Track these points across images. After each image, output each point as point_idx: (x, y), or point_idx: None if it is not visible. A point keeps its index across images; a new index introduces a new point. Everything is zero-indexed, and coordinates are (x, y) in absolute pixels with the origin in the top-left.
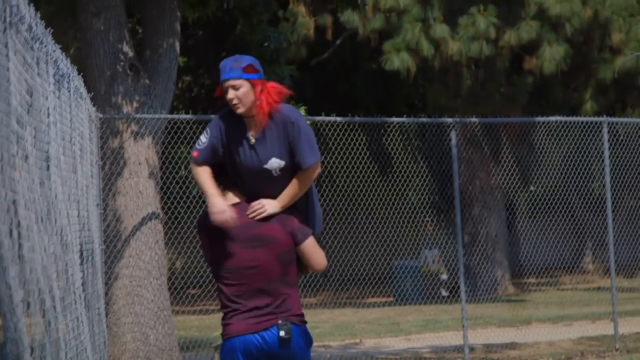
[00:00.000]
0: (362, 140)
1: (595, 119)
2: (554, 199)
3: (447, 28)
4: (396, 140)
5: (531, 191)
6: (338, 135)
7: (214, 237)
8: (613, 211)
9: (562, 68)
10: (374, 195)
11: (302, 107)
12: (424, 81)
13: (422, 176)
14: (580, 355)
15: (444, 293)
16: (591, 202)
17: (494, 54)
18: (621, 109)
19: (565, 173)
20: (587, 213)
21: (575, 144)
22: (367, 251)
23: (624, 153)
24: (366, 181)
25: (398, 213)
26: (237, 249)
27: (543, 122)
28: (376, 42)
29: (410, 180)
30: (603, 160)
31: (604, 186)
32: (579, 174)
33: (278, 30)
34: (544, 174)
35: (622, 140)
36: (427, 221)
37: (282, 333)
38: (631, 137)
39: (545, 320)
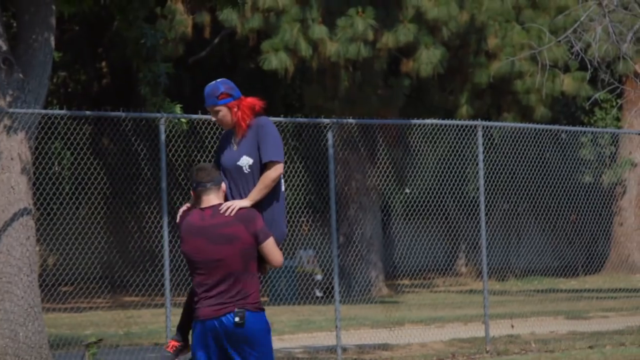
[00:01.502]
0: None
1: (470, 122)
2: (428, 202)
3: (326, 29)
4: None
5: (406, 193)
6: (215, 133)
7: (189, 233)
8: (486, 214)
9: (439, 71)
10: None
11: (178, 106)
12: (302, 81)
13: (298, 176)
14: (451, 357)
15: (318, 294)
16: (465, 205)
17: (372, 56)
18: (496, 114)
19: (440, 176)
20: (461, 216)
21: (451, 147)
22: None
23: (498, 157)
24: None
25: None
26: (206, 245)
27: (419, 125)
28: (254, 41)
29: (286, 180)
30: (477, 164)
31: (477, 189)
32: (453, 177)
33: (155, 28)
34: (419, 176)
35: (496, 144)
36: (303, 221)
37: (236, 319)
38: (505, 141)
39: (417, 322)
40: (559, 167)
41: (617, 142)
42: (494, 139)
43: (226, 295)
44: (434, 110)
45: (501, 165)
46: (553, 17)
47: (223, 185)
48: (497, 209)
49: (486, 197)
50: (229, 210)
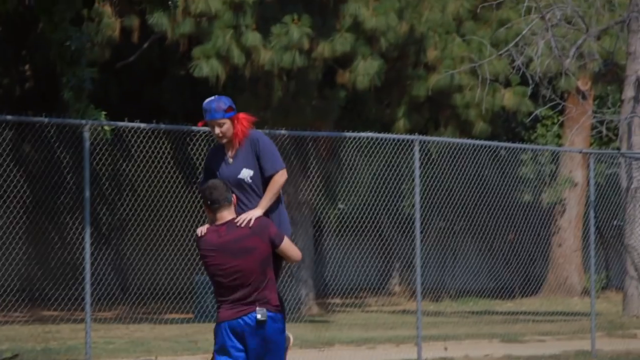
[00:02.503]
0: (166, 148)
1: (407, 137)
2: (362, 218)
3: (260, 36)
4: (202, 149)
5: (339, 208)
6: (142, 142)
7: (209, 250)
8: (422, 232)
9: (376, 83)
10: (177, 206)
11: (103, 113)
12: (234, 90)
13: None
14: None
15: None
16: (400, 222)
17: (307, 66)
18: (434, 128)
19: (375, 191)
20: (396, 233)
21: (386, 161)
22: (168, 265)
23: (435, 173)
24: (169, 191)
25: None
26: (227, 259)
27: (354, 138)
28: (185, 47)
29: None
30: (413, 180)
31: (413, 206)
32: (389, 192)
33: (81, 30)
34: (354, 191)
35: (434, 160)
36: None
37: (258, 316)
38: (443, 156)
39: (348, 342)
40: (498, 185)
41: (557, 160)
42: (431, 154)
43: (247, 300)
44: (370, 124)
45: (438, 181)
46: (495, 30)
47: (234, 198)
48: (433, 226)
49: (422, 214)
50: (246, 221)
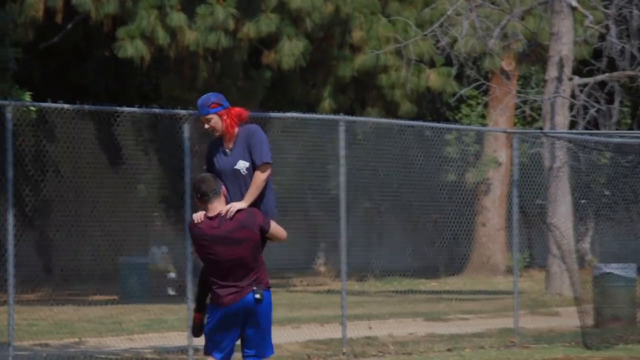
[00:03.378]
0: (91, 129)
1: (332, 117)
2: (288, 198)
3: (185, 17)
4: (127, 131)
5: None
6: (65, 123)
7: (203, 240)
8: (347, 212)
9: (301, 64)
10: (101, 187)
11: (27, 93)
12: (158, 71)
13: (152, 170)
14: (307, 359)
15: (171, 292)
16: (326, 203)
17: (232, 46)
18: (360, 108)
19: (301, 172)
20: (321, 213)
21: (312, 142)
22: (92, 246)
23: (360, 153)
24: (94, 172)
25: (126, 207)
26: (221, 249)
27: (279, 118)
28: (109, 27)
29: (140, 173)
30: (339, 160)
31: (338, 186)
32: (314, 173)
33: (4, 11)
34: (279, 171)
35: (359, 140)
36: (156, 217)
37: (257, 295)
38: (369, 137)
39: (273, 323)
40: (423, 165)
41: (482, 140)
42: (357, 135)
43: (242, 283)
44: (295, 104)
45: (364, 161)
46: (419, 11)
47: (223, 189)
48: (359, 206)
49: (347, 195)
50: (229, 213)
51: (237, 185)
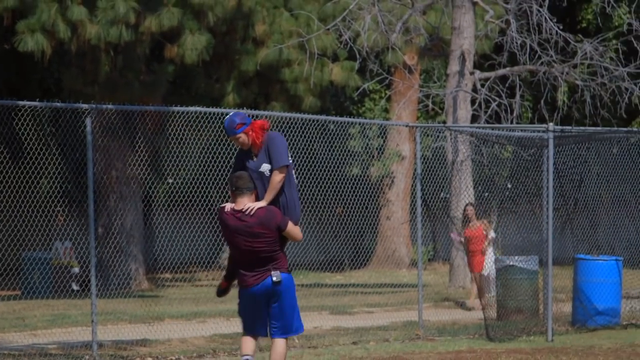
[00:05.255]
0: None
1: (235, 111)
2: (192, 192)
3: (85, 10)
4: (28, 125)
5: (169, 183)
6: None
7: (231, 232)
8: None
9: (204, 58)
10: (2, 182)
11: None
12: (60, 65)
13: (54, 163)
14: (212, 353)
15: (75, 287)
16: (230, 197)
17: (134, 40)
18: (264, 102)
19: (205, 166)
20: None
21: (215, 136)
22: None
23: None
24: None
25: (28, 202)
26: (242, 240)
27: (182, 113)
28: (9, 21)
29: (42, 168)
30: None
31: None
32: (218, 167)
33: None
34: (183, 165)
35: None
36: (59, 211)
37: (274, 278)
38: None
39: (178, 317)
40: (327, 159)
41: (385, 133)
42: None
43: (262, 268)
44: (199, 98)
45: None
46: (322, 5)
47: (255, 191)
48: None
49: None
50: (250, 210)
51: (262, 184)
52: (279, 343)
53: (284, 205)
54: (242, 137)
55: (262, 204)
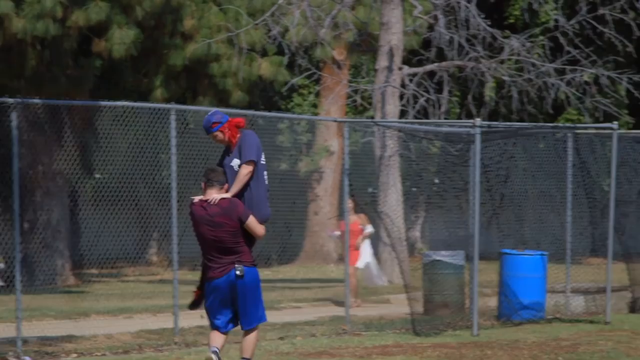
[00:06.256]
0: None
1: (163, 105)
2: (119, 188)
3: (12, 4)
4: None
5: (96, 178)
6: None
7: (197, 222)
8: (179, 202)
9: (132, 52)
10: None
11: None
12: None
13: None
14: (138, 349)
15: (0, 283)
16: (158, 192)
17: (61, 34)
18: (192, 97)
19: (133, 161)
20: (154, 203)
21: (144, 131)
22: None
23: (192, 142)
24: None
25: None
26: (207, 229)
27: (109, 107)
28: None
29: None
30: (170, 149)
31: (170, 176)
32: (146, 162)
33: None
34: (110, 161)
35: (191, 129)
36: None
37: (237, 272)
38: (200, 126)
39: (104, 313)
40: None
41: (314, 129)
42: (188, 124)
43: (226, 261)
44: (127, 93)
45: (196, 150)
46: (251, 0)
47: (226, 185)
48: (190, 196)
49: (179, 184)
50: (214, 200)
51: (232, 178)
52: (249, 333)
53: (249, 201)
54: (219, 134)
55: (226, 195)
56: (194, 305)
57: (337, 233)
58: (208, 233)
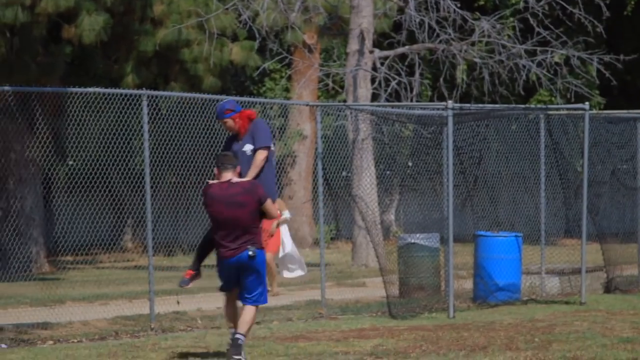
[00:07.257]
0: None
1: (134, 91)
2: (92, 174)
3: None
4: None
5: (69, 165)
6: None
7: (214, 202)
8: (152, 188)
9: (102, 38)
10: None
11: None
12: None
13: None
14: (114, 335)
15: None
16: (131, 178)
17: (30, 21)
18: (164, 83)
19: (105, 147)
20: (127, 189)
21: (115, 117)
22: None
23: (164, 128)
24: None
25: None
26: (225, 208)
27: (81, 94)
28: None
29: None
30: (142, 135)
31: (143, 161)
32: (118, 148)
33: None
34: (82, 147)
35: (163, 115)
36: None
37: (250, 253)
38: (172, 111)
39: (80, 300)
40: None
41: (286, 113)
42: (160, 109)
43: (240, 241)
44: (98, 79)
45: (168, 136)
46: None
47: (238, 168)
48: (164, 182)
49: (152, 170)
50: (235, 181)
51: (244, 163)
52: (250, 309)
53: (262, 183)
54: (229, 122)
55: (246, 178)
56: (183, 283)
57: None
58: (227, 212)
